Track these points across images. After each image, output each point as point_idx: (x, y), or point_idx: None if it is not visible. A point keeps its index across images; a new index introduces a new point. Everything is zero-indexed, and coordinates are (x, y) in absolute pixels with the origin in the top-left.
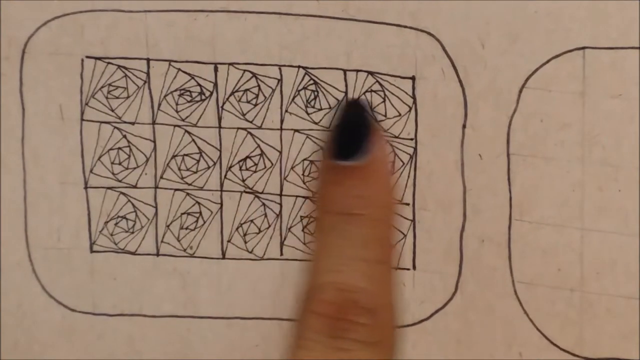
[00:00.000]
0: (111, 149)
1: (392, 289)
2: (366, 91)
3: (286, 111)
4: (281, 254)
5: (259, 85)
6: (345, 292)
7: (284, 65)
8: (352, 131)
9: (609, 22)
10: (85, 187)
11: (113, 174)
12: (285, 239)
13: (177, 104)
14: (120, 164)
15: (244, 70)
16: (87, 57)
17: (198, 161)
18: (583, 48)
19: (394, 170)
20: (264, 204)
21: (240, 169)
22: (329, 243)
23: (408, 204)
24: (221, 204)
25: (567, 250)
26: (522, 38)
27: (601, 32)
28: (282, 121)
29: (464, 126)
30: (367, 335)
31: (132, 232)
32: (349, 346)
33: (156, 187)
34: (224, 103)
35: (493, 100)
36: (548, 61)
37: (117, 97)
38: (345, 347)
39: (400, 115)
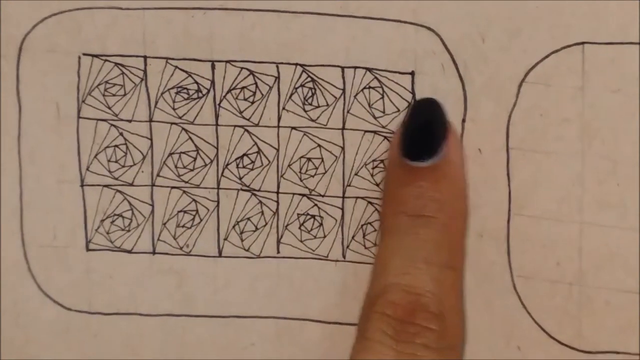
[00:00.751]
0: (108, 147)
1: (461, 295)
2: (364, 88)
3: (283, 109)
4: (278, 252)
5: (256, 83)
6: (414, 295)
7: (282, 63)
8: (426, 131)
9: (608, 17)
10: (82, 185)
11: (109, 171)
12: (282, 237)
13: (174, 102)
14: (116, 161)
15: (241, 68)
16: (84, 54)
17: (195, 159)
18: (583, 43)
19: (466, 175)
20: (260, 202)
21: (237, 167)
22: (397, 244)
23: None
24: (218, 201)
25: (566, 244)
26: (522, 33)
27: (601, 27)
28: (279, 119)
29: (463, 121)
30: (435, 341)
31: (129, 230)
32: (416, 351)
33: (153, 185)
34: (221, 101)
35: (493, 95)
36: (548, 56)
37: (114, 95)
38: (412, 352)
39: (399, 111)
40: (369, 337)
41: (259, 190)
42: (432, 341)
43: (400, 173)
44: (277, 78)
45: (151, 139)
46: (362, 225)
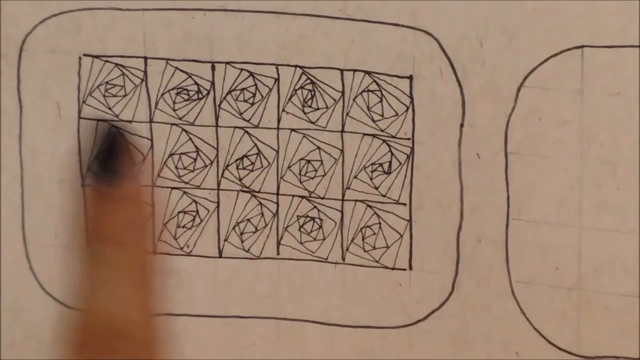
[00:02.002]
0: None
1: (155, 312)
2: (363, 91)
3: (283, 110)
4: (278, 253)
5: (256, 85)
6: (106, 320)
7: (281, 65)
8: (115, 157)
9: (607, 20)
10: (83, 185)
11: None
12: (281, 238)
13: (174, 103)
14: None
15: (241, 69)
16: (85, 55)
17: (195, 160)
18: (581, 46)
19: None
20: (260, 203)
21: (237, 168)
22: (87, 272)
23: (405, 204)
24: (218, 202)
25: (565, 248)
26: (521, 36)
27: (600, 31)
28: (279, 120)
29: (461, 125)
30: None
31: None
32: None
33: (153, 186)
34: (221, 102)
35: (491, 99)
36: (547, 59)
37: (115, 96)
38: None
39: (397, 114)
40: None
41: (258, 192)
42: None
43: (90, 200)
44: (277, 80)
45: (152, 140)
46: (361, 228)
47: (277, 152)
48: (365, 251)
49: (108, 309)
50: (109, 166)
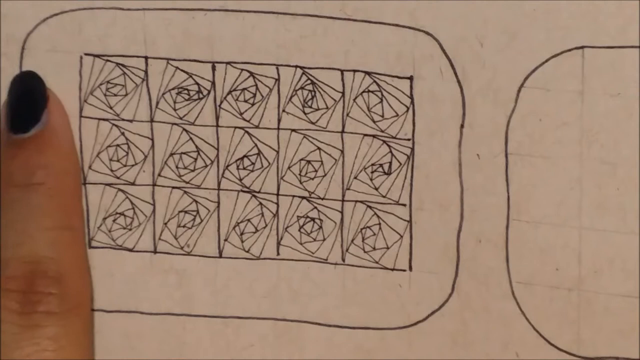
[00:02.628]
0: (109, 146)
1: (82, 254)
2: (363, 91)
3: (283, 111)
4: (278, 254)
5: (256, 85)
6: (32, 264)
7: (282, 65)
8: (26, 102)
9: (607, 20)
10: (84, 183)
11: (111, 170)
12: (282, 238)
13: (175, 102)
14: (118, 160)
15: (242, 69)
16: (86, 54)
17: (195, 159)
18: (582, 47)
19: (71, 136)
20: (261, 204)
21: (238, 168)
22: (11, 217)
23: (405, 205)
24: (218, 202)
25: (565, 249)
26: (521, 37)
27: (600, 31)
28: (279, 121)
29: (461, 126)
30: (58, 305)
31: (130, 229)
32: (40, 321)
33: (154, 185)
34: (221, 102)
35: (491, 100)
36: (547, 60)
37: (116, 95)
38: (37, 323)
39: (397, 115)
40: None
41: (259, 192)
42: (54, 306)
43: (7, 147)
44: (277, 80)
45: (152, 139)
46: (361, 229)
47: (278, 152)
48: (365, 252)
49: (27, 252)
50: (21, 112)
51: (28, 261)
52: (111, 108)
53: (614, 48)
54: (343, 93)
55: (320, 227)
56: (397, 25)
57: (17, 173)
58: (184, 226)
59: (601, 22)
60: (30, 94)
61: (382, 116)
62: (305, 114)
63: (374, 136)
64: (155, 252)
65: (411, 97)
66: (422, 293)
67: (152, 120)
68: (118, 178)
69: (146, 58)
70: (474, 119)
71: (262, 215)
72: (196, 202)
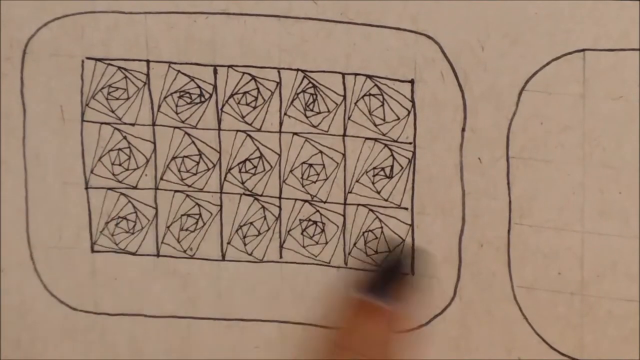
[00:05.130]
0: (111, 150)
1: None
2: (365, 95)
3: (285, 114)
4: (280, 257)
5: (258, 88)
6: None
7: (283, 68)
8: (389, 276)
9: (609, 24)
10: (86, 188)
11: (113, 174)
12: (284, 241)
13: (176, 106)
14: (120, 164)
15: (243, 73)
16: (88, 58)
17: (198, 163)
18: (583, 50)
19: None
20: (263, 207)
21: (240, 171)
22: None
23: (407, 209)
24: (221, 206)
25: (568, 253)
26: (522, 40)
27: (601, 34)
28: (281, 124)
29: (463, 129)
30: None
31: (133, 233)
32: None
33: (156, 189)
34: (223, 105)
35: (493, 103)
36: (548, 63)
37: (117, 99)
38: None
39: (399, 118)
40: None
41: (261, 195)
42: None
43: (360, 310)
44: (279, 83)
45: (154, 143)
46: (363, 233)
47: (280, 155)
48: (367, 255)
49: None
50: (385, 284)
51: None
52: (113, 112)
53: (615, 51)
54: (344, 96)
55: (323, 231)
56: (398, 29)
57: (355, 336)
58: (186, 229)
59: (602, 26)
60: (397, 272)
61: (384, 120)
62: (307, 117)
63: (375, 139)
64: (158, 255)
65: (412, 100)
66: (424, 297)
67: (154, 124)
68: (120, 182)
69: (148, 62)
70: (476, 122)
71: (265, 218)
72: (199, 205)
